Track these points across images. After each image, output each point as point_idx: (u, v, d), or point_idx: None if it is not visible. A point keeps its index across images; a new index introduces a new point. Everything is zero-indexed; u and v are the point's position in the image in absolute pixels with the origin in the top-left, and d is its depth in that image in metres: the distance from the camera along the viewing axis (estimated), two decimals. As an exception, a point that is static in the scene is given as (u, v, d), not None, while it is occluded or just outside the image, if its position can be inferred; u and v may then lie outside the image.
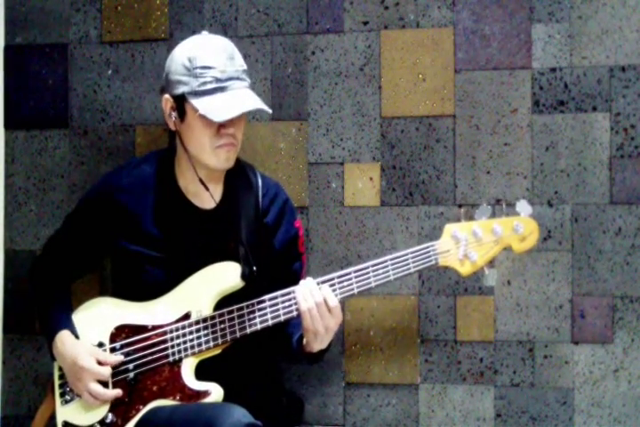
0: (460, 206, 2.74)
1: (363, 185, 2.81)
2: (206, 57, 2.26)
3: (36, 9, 3.01)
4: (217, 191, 2.40)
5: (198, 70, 2.25)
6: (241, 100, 2.25)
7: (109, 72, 2.96)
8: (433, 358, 2.76)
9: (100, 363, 2.30)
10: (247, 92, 2.29)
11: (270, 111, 2.30)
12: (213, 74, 2.24)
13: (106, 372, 2.29)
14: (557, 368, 2.69)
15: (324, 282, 2.25)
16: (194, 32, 2.66)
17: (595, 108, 2.68)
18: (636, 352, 2.65)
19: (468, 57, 2.75)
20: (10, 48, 3.03)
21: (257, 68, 2.86)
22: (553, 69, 2.71)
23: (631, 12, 2.66)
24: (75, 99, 2.98)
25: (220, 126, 2.27)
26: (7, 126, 3.03)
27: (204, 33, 2.38)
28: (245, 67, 2.32)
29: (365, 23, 2.81)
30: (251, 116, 2.86)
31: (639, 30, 2.66)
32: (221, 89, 2.24)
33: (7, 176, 3.02)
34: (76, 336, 2.36)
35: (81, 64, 2.98)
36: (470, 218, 2.28)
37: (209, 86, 2.24)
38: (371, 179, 2.80)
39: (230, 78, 2.25)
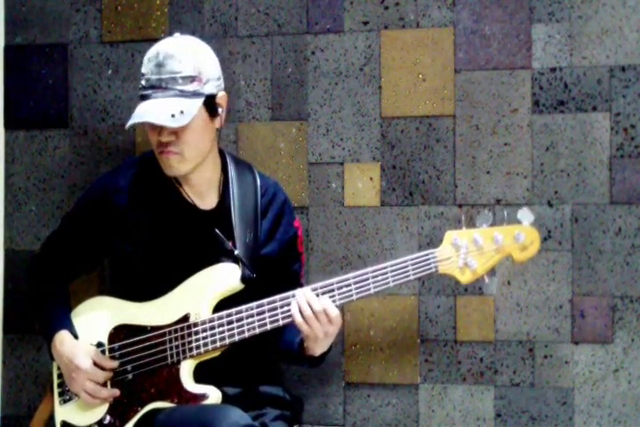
0: (460, 206, 2.73)
1: (363, 185, 2.80)
2: (144, 63, 2.28)
3: (35, 9, 3.01)
4: (214, 191, 2.39)
5: (141, 76, 2.29)
6: (151, 110, 2.22)
7: (109, 72, 2.96)
8: (433, 358, 2.76)
9: (96, 365, 2.31)
10: (166, 101, 2.22)
11: (173, 126, 2.19)
12: (142, 81, 2.27)
13: (101, 375, 2.29)
14: (557, 368, 2.69)
15: (323, 287, 2.23)
16: (194, 32, 2.66)
17: (595, 108, 2.68)
18: (636, 352, 2.65)
19: (468, 57, 2.75)
20: (10, 48, 3.03)
21: (257, 68, 2.86)
22: (553, 69, 2.70)
23: (631, 12, 2.66)
24: (75, 99, 2.98)
25: (159, 134, 2.26)
26: (7, 126, 3.03)
27: (176, 35, 2.33)
28: (183, 73, 2.21)
29: (365, 23, 2.81)
30: (250, 116, 2.86)
31: (639, 30, 2.65)
32: (144, 97, 2.25)
33: (7, 176, 3.02)
34: (75, 336, 2.36)
35: (81, 64, 2.98)
36: (471, 220, 2.26)
37: (140, 93, 2.27)
38: (371, 179, 2.80)
39: (152, 87, 2.24)
